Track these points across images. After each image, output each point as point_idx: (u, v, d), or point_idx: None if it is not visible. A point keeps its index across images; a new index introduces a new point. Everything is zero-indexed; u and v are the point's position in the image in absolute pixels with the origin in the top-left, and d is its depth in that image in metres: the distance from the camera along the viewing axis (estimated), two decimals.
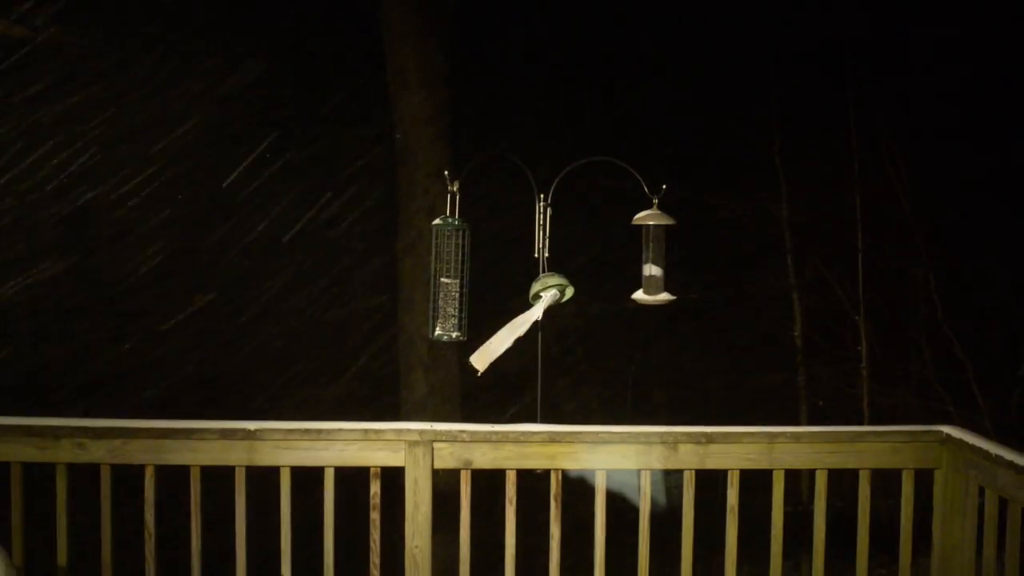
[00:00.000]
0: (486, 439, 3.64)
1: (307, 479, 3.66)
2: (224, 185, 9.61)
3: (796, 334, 10.61)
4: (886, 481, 4.07)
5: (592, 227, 9.14)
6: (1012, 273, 10.22)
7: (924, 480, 3.83)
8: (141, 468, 3.60)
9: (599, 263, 8.54)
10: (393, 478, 3.66)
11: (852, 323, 10.29)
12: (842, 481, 4.56)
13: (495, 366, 3.70)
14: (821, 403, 10.42)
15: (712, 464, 3.71)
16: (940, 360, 10.10)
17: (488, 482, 3.74)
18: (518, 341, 3.71)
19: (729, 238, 10.80)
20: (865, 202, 10.25)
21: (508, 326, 3.70)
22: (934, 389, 10.01)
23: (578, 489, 3.88)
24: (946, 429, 3.78)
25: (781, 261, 10.72)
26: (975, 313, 10.42)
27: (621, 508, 3.89)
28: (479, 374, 3.69)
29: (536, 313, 3.70)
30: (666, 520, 3.95)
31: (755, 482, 3.86)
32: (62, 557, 3.57)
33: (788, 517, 3.80)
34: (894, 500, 3.81)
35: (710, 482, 3.90)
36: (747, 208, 10.56)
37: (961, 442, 3.67)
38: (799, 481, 9.05)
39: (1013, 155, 9.91)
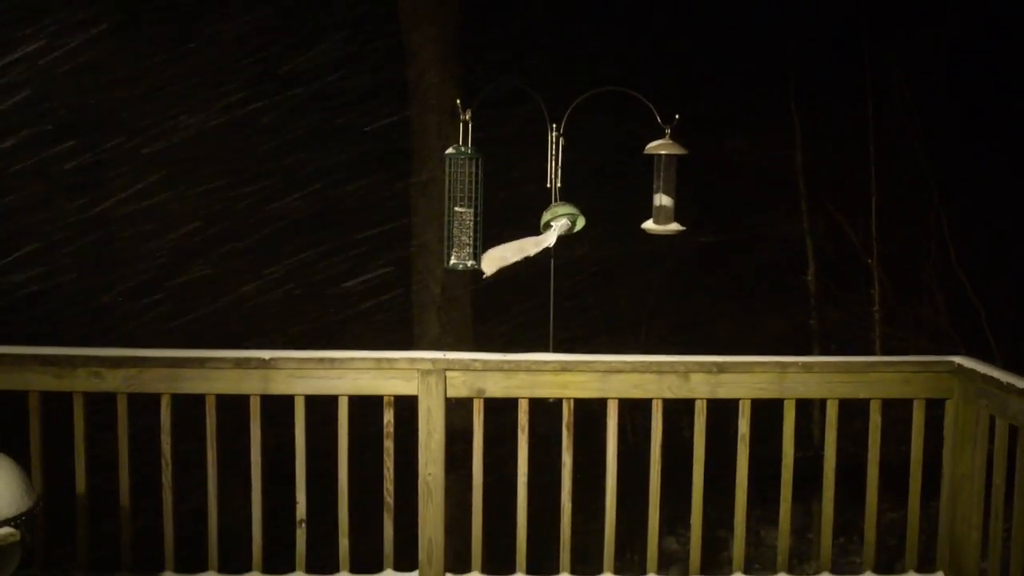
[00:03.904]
0: (498, 368, 3.65)
1: (322, 407, 3.70)
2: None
3: (809, 278, 10.60)
4: (895, 424, 4.08)
5: (605, 164, 9.08)
6: None
7: (934, 422, 3.84)
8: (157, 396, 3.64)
9: (613, 202, 8.51)
10: (408, 407, 3.69)
11: (865, 267, 10.27)
12: (853, 425, 4.56)
13: (508, 309, 3.71)
14: (834, 346, 10.42)
15: (723, 394, 3.73)
16: (953, 304, 10.09)
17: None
18: (530, 270, 3.71)
19: (742, 182, 10.74)
20: (878, 146, 10.17)
21: (520, 240, 3.70)
22: (946, 332, 10.00)
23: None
24: (957, 359, 3.79)
25: (795, 205, 10.68)
26: (988, 257, 10.37)
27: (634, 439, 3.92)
28: (485, 276, 3.68)
29: (549, 239, 3.70)
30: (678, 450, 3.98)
31: (767, 428, 3.87)
32: (81, 484, 3.61)
33: (799, 463, 3.81)
34: (904, 446, 3.82)
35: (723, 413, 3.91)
36: (761, 152, 10.50)
37: (972, 372, 3.68)
38: (811, 424, 9.08)
39: None
